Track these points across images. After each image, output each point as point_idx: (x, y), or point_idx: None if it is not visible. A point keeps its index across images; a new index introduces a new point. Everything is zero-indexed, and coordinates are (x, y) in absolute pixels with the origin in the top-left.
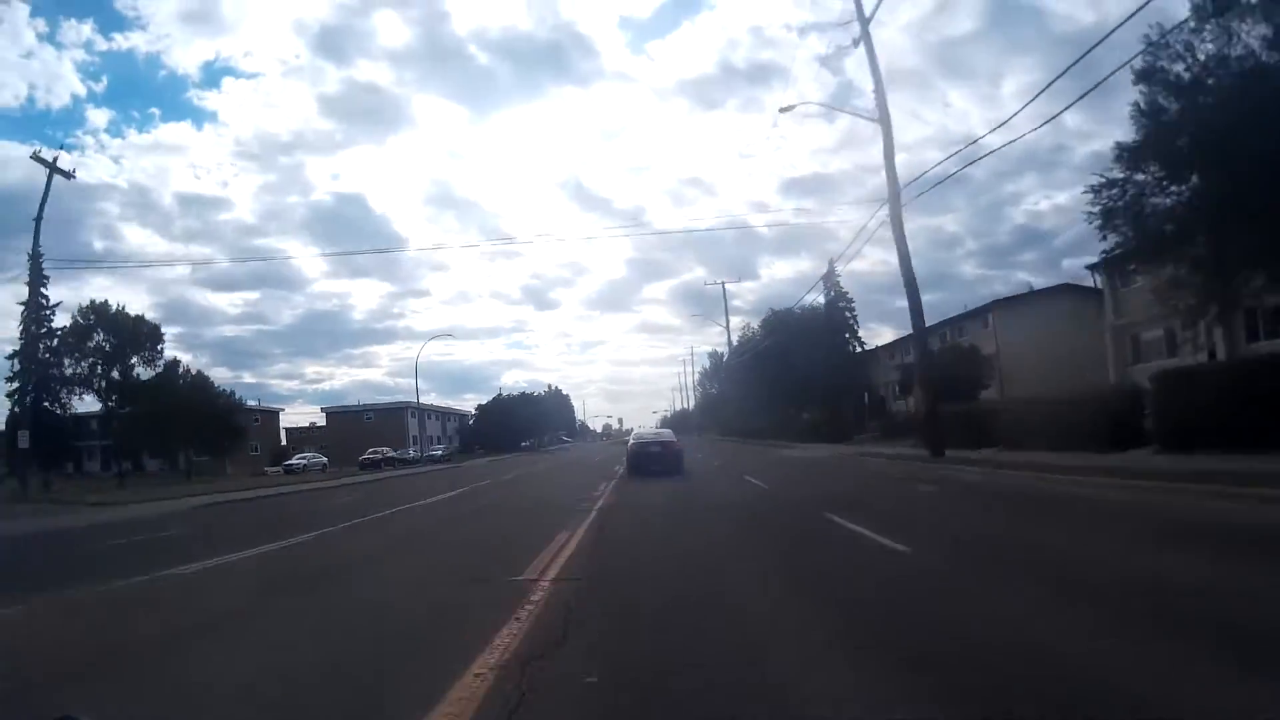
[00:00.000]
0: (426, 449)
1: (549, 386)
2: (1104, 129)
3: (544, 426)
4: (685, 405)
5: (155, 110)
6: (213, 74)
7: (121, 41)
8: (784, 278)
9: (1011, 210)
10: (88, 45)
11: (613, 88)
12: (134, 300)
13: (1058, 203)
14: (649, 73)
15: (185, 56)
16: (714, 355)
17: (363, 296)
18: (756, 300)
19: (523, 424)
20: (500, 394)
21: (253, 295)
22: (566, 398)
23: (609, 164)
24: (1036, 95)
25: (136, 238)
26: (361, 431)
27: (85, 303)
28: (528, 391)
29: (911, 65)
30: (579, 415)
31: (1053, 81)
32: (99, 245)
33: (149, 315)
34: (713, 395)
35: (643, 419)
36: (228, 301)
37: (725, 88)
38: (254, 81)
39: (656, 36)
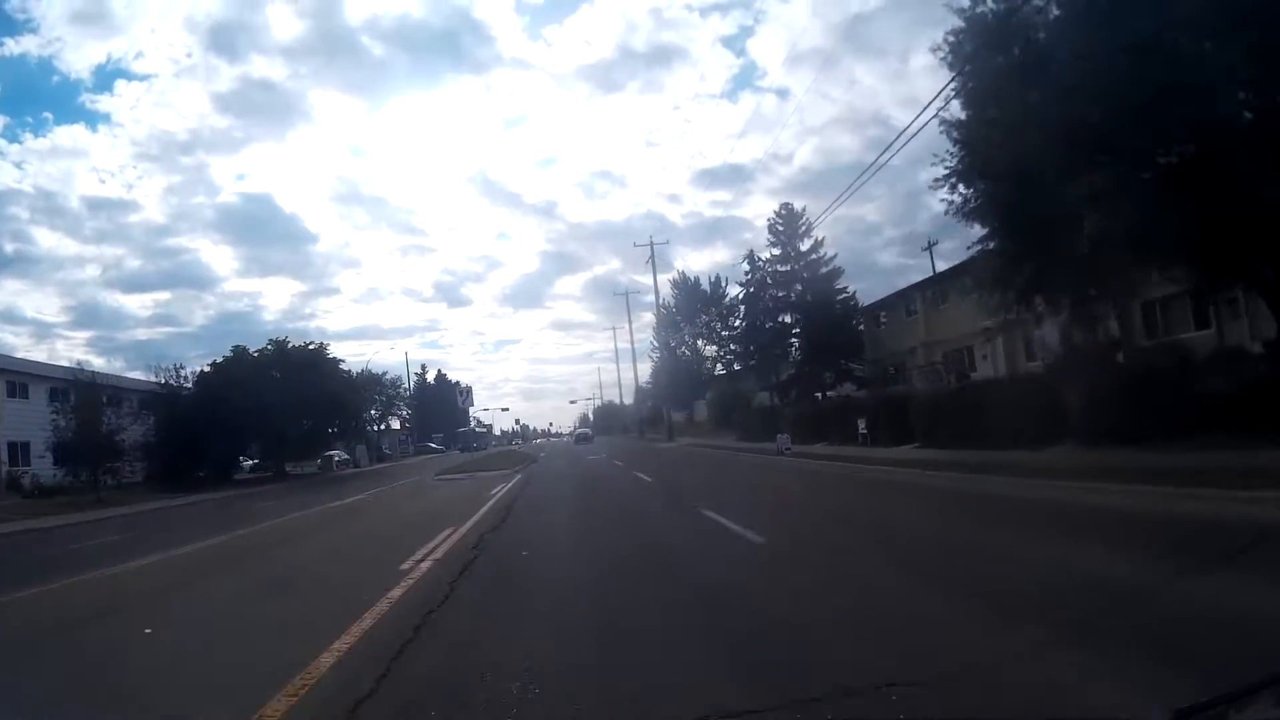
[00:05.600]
0: None
1: (423, 371)
2: None
3: (361, 419)
4: (618, 399)
5: (48, 114)
6: (105, 76)
7: (13, 46)
8: (699, 269)
9: (930, 199)
10: None
11: (512, 74)
12: (45, 303)
13: None
14: (548, 58)
15: (77, 59)
16: (683, 283)
17: (274, 296)
18: (666, 295)
19: (308, 412)
20: (243, 350)
21: (164, 296)
22: (454, 385)
23: (515, 156)
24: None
25: (47, 241)
26: None
27: None
28: (313, 345)
29: (816, 43)
30: (474, 410)
31: None
32: (9, 249)
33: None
34: (680, 359)
35: (556, 416)
36: (139, 303)
37: (626, 70)
38: (146, 83)
39: (553, 21)
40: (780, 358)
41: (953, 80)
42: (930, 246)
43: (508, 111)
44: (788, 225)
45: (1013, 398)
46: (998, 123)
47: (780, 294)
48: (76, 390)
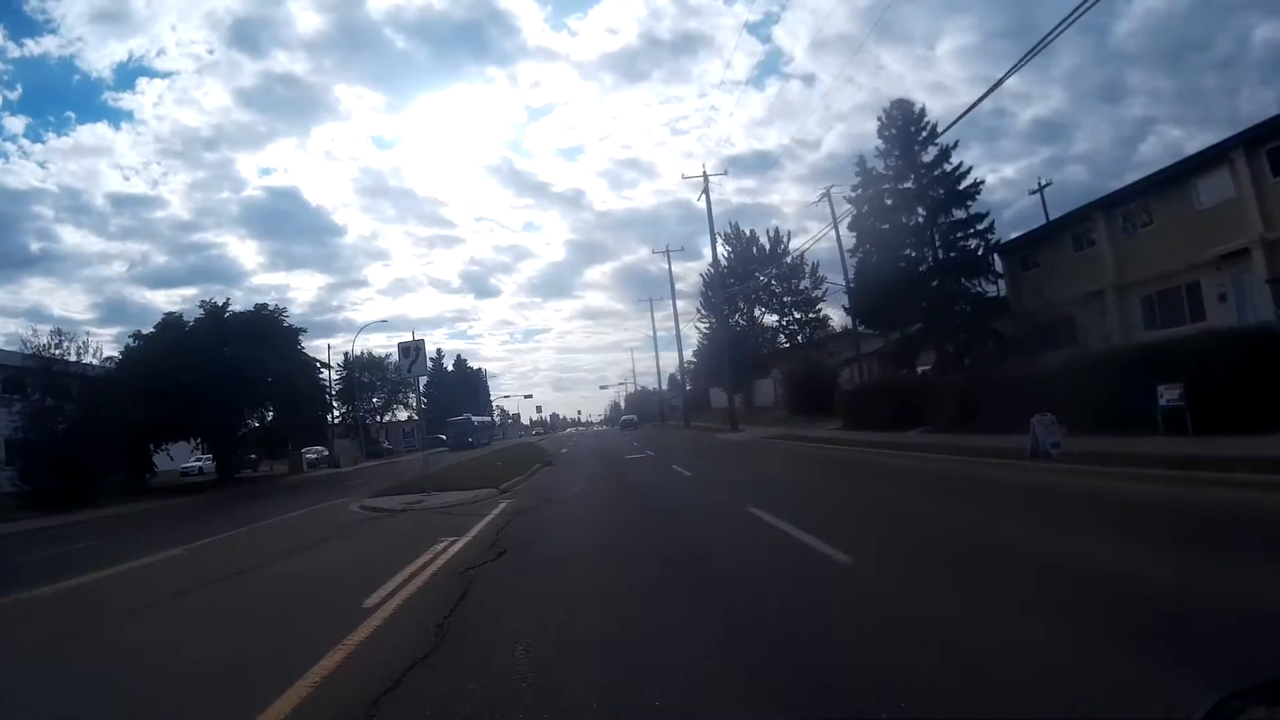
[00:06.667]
0: None
1: (439, 357)
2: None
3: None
4: (653, 383)
5: (71, 114)
6: (126, 75)
7: (33, 47)
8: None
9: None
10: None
11: (536, 65)
12: (72, 300)
13: (1003, 175)
14: (572, 48)
15: (98, 58)
16: (737, 239)
17: (301, 289)
18: (700, 282)
19: (255, 399)
20: (174, 319)
21: (190, 291)
22: (477, 372)
23: (542, 147)
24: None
25: (72, 238)
26: None
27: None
28: (268, 309)
29: (842, 29)
30: (498, 399)
31: None
32: (35, 247)
33: (86, 315)
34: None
35: (586, 405)
36: (165, 298)
37: (651, 59)
38: (169, 80)
39: (577, 11)
40: (905, 311)
41: None
42: (1042, 189)
43: (533, 102)
44: (903, 131)
45: None
46: None
47: (905, 219)
48: None
